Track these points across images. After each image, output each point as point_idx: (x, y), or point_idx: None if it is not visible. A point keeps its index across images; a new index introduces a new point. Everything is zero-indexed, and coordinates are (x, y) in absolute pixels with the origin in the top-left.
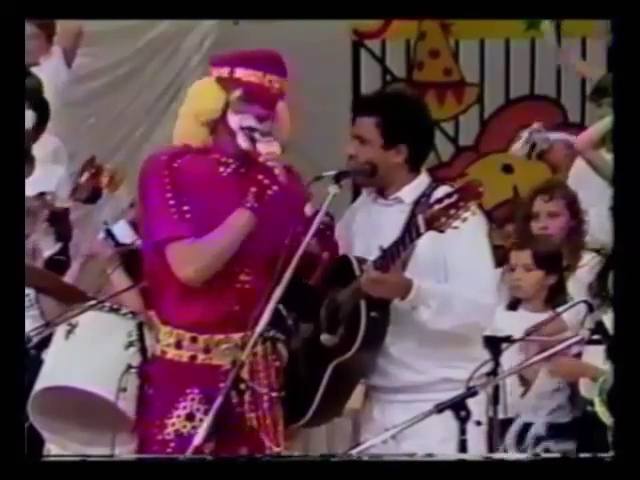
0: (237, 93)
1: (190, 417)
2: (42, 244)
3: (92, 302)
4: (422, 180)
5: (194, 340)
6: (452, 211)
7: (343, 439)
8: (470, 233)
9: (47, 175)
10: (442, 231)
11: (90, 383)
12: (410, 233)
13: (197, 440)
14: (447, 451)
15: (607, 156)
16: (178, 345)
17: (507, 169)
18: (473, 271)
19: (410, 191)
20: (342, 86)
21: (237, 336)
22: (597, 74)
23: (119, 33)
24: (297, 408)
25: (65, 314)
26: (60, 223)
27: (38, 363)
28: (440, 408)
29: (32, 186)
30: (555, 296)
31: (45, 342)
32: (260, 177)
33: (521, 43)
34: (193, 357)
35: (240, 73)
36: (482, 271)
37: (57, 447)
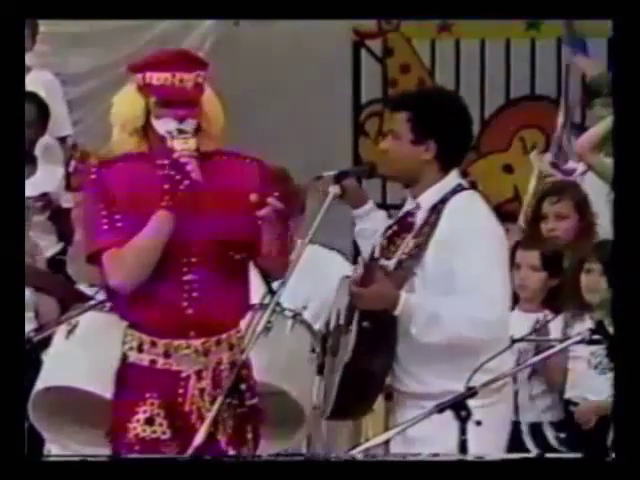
0: (152, 99)
1: (150, 421)
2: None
3: (92, 302)
4: (448, 182)
5: (154, 344)
6: (394, 239)
7: (343, 439)
8: (479, 247)
9: (49, 175)
10: (389, 258)
11: (90, 383)
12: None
13: (197, 440)
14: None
15: (607, 159)
16: (139, 348)
17: (507, 169)
18: (479, 285)
19: (430, 196)
20: (342, 86)
21: (197, 342)
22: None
23: (119, 32)
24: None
25: (65, 314)
26: (62, 223)
27: (38, 363)
28: (440, 408)
29: (34, 186)
30: (553, 298)
31: (45, 342)
32: (172, 173)
33: (521, 43)
34: (153, 361)
35: (151, 78)
36: (488, 286)
37: (57, 447)
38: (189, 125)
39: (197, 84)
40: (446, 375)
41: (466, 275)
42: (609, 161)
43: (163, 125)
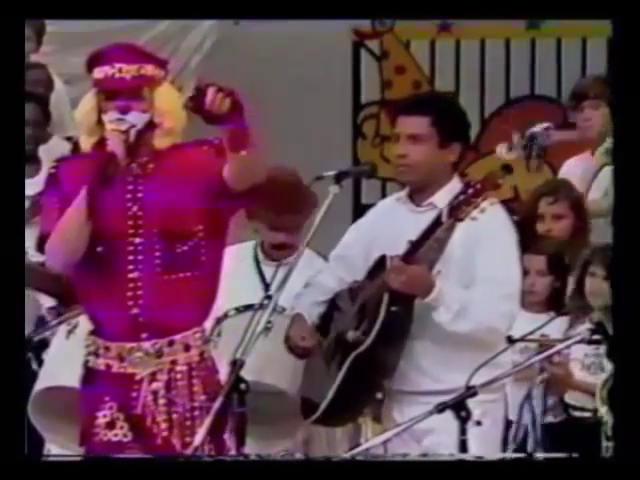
0: (101, 95)
1: (110, 425)
2: None
3: None
4: (455, 185)
5: (107, 349)
6: (472, 200)
7: (343, 439)
8: (502, 239)
9: None
10: (462, 220)
11: None
12: (433, 224)
13: (197, 440)
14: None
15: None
16: (96, 353)
17: (507, 169)
18: (501, 277)
19: (443, 196)
20: (342, 86)
21: (148, 344)
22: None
23: (119, 32)
24: (315, 404)
25: (66, 314)
26: None
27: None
28: (440, 408)
29: (39, 186)
30: (557, 298)
31: (45, 343)
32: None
33: (521, 43)
34: (109, 365)
35: (95, 73)
36: (509, 278)
37: (57, 447)
38: (132, 117)
39: (141, 76)
40: (463, 370)
41: (492, 267)
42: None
43: (108, 118)
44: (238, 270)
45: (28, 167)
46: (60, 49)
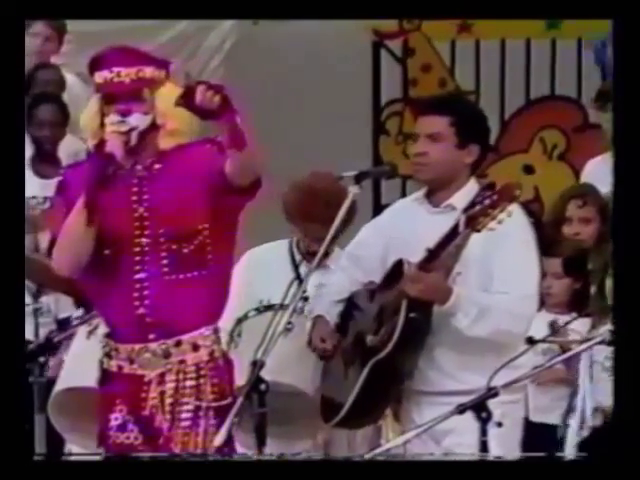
0: (101, 98)
1: (122, 427)
2: None
3: None
4: (472, 186)
5: (117, 350)
6: (489, 211)
7: (364, 442)
8: (520, 241)
9: None
10: (479, 231)
11: None
12: (450, 233)
13: (218, 440)
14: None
15: None
16: (109, 355)
17: (528, 170)
18: (519, 280)
19: (462, 198)
20: (362, 86)
21: (155, 345)
22: None
23: (138, 32)
24: (335, 407)
25: (87, 315)
26: None
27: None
28: (461, 409)
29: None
30: (579, 300)
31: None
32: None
33: (542, 43)
34: (120, 367)
35: (95, 78)
36: (528, 280)
37: (78, 447)
38: (133, 120)
39: (140, 79)
40: (484, 372)
41: (509, 269)
42: None
43: (109, 121)
44: (275, 267)
45: (47, 167)
46: (78, 49)
